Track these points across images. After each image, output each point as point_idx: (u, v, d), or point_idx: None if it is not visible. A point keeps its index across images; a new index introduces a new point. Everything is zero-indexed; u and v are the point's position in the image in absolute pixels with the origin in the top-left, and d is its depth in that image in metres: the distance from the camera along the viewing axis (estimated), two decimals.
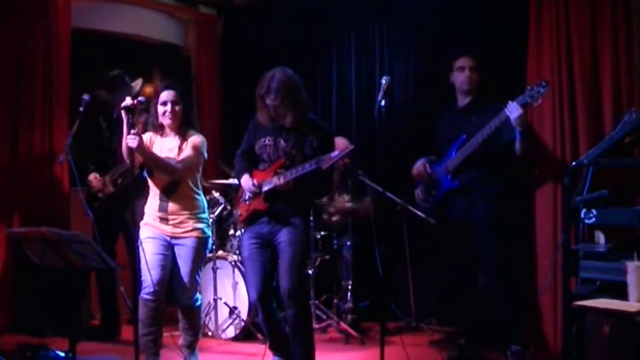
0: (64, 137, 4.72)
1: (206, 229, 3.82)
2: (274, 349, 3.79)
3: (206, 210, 3.88)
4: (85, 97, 4.41)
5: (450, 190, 4.10)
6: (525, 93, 3.77)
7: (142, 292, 3.67)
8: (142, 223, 3.80)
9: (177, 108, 3.74)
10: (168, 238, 3.76)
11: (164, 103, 3.74)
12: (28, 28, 4.90)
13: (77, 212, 4.78)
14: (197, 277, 3.81)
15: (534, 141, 4.09)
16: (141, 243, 3.63)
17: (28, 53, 4.89)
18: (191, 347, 3.92)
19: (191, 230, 3.75)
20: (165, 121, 3.75)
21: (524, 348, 3.97)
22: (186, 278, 3.75)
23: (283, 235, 3.61)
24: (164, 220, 3.75)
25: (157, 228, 3.75)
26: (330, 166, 3.41)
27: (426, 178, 4.25)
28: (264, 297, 3.65)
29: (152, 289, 3.66)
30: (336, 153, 3.41)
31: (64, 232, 3.50)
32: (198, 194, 3.84)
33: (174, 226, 3.74)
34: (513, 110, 3.75)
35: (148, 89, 5.55)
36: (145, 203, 3.84)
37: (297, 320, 3.60)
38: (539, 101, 3.76)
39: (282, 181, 3.53)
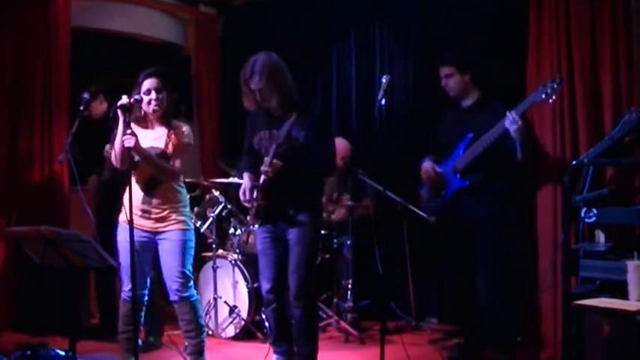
0: (64, 137, 4.72)
1: (188, 221, 3.72)
2: (277, 343, 3.74)
3: (187, 204, 3.77)
4: (85, 96, 4.39)
5: (459, 190, 4.07)
6: (538, 90, 3.74)
7: (122, 292, 3.69)
8: (120, 219, 3.67)
9: (160, 96, 3.64)
10: (151, 235, 3.64)
11: (147, 92, 3.62)
12: (28, 28, 4.90)
13: (77, 212, 4.78)
14: (187, 271, 3.66)
15: (535, 145, 4.07)
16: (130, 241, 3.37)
17: (28, 53, 4.89)
18: (198, 353, 3.74)
19: (175, 223, 3.64)
20: (150, 109, 3.63)
21: (524, 347, 3.96)
22: (176, 270, 3.62)
23: (292, 233, 3.57)
24: (146, 212, 3.62)
25: (136, 225, 3.43)
26: (284, 140, 3.46)
27: (435, 180, 4.19)
28: (278, 288, 3.63)
29: (130, 294, 3.57)
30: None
31: (64, 231, 3.50)
32: (182, 187, 3.74)
33: (157, 220, 3.63)
34: (512, 122, 3.73)
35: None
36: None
37: (303, 320, 3.58)
38: (554, 97, 3.74)
39: (266, 167, 3.48)
